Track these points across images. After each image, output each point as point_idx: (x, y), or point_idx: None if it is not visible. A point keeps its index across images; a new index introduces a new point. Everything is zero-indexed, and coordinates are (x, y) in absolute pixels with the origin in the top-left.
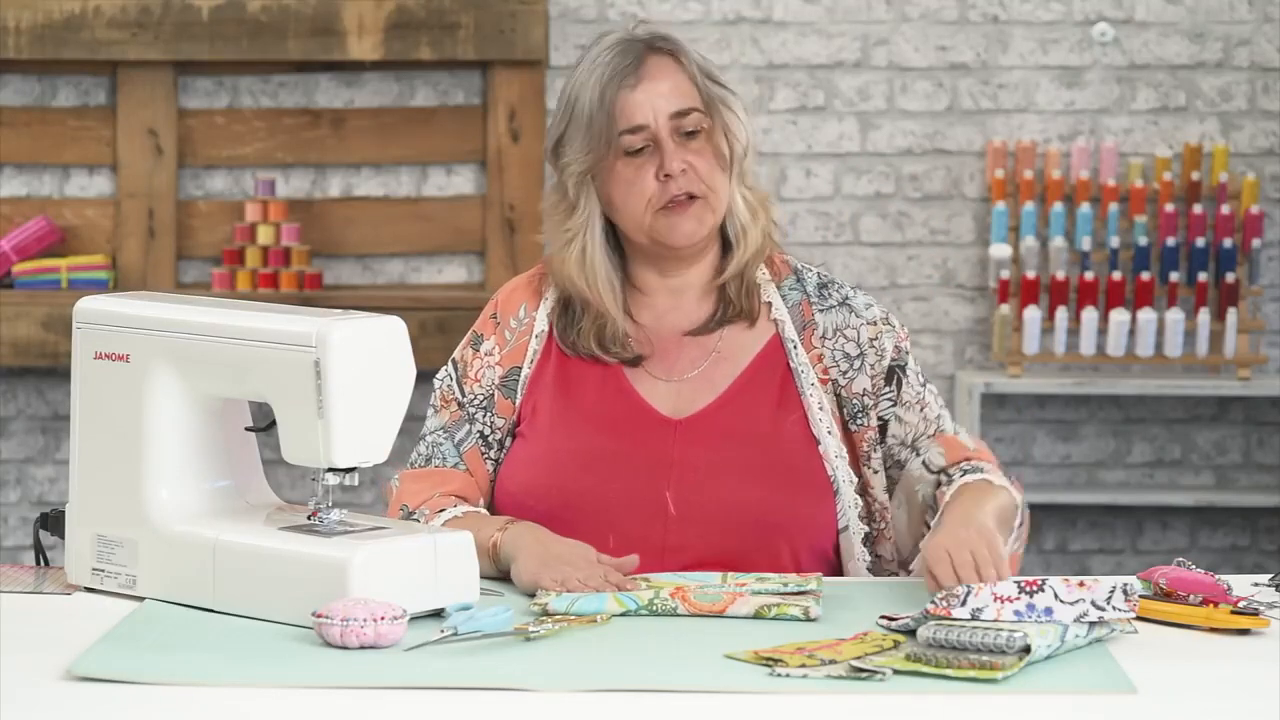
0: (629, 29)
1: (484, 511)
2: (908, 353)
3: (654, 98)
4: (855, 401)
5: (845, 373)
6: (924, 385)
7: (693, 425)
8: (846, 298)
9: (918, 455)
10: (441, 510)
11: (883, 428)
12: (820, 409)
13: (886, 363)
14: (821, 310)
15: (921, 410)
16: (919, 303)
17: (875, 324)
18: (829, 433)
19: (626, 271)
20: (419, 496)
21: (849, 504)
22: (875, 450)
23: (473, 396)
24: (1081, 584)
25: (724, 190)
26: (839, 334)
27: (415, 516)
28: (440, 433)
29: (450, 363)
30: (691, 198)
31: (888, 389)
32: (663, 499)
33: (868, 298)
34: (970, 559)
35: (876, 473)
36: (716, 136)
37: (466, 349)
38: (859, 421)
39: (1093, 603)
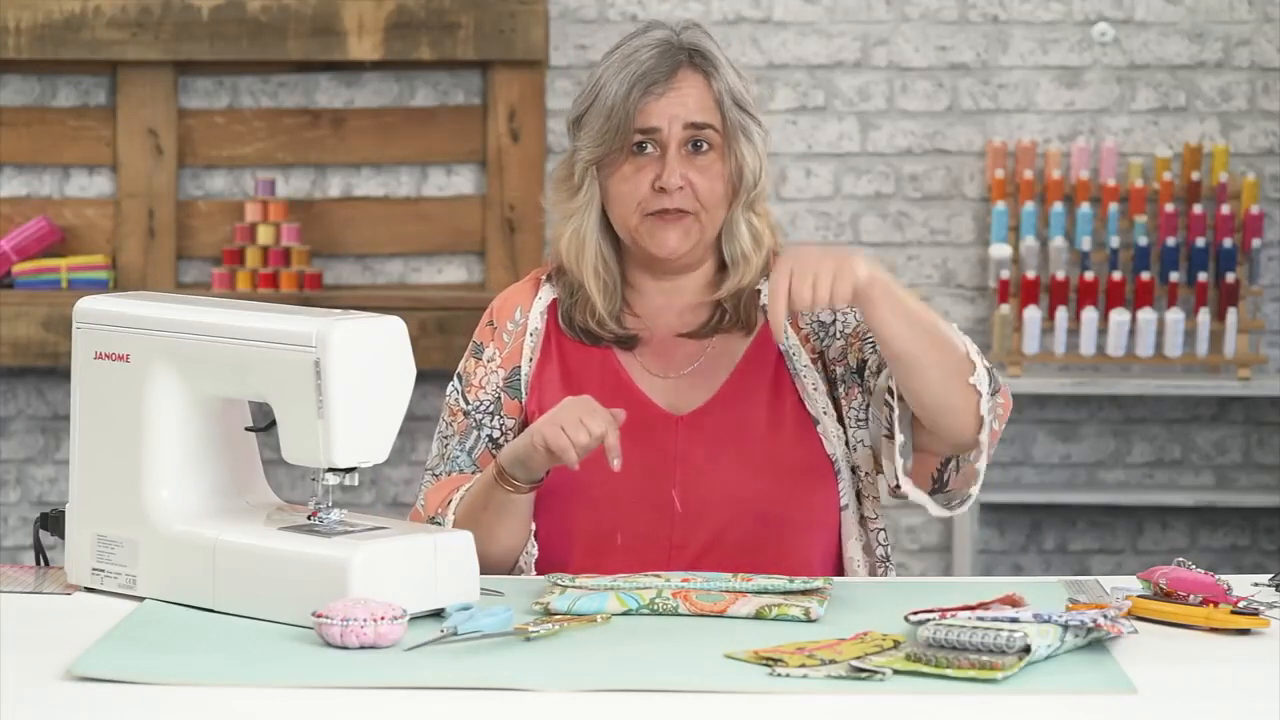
0: (676, 30)
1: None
2: None
3: (674, 107)
4: (838, 367)
5: (823, 339)
6: None
7: (693, 422)
8: None
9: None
10: (450, 501)
11: (862, 367)
12: (815, 389)
13: None
14: None
15: None
16: None
17: None
18: (825, 412)
19: (623, 266)
20: (436, 506)
21: (849, 483)
22: (864, 402)
23: (478, 404)
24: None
25: (721, 212)
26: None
27: (438, 520)
28: (454, 442)
29: (455, 376)
30: (682, 213)
31: (869, 331)
32: (668, 496)
33: None
34: (810, 281)
35: (863, 428)
36: (728, 159)
37: (469, 359)
38: (846, 382)
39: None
